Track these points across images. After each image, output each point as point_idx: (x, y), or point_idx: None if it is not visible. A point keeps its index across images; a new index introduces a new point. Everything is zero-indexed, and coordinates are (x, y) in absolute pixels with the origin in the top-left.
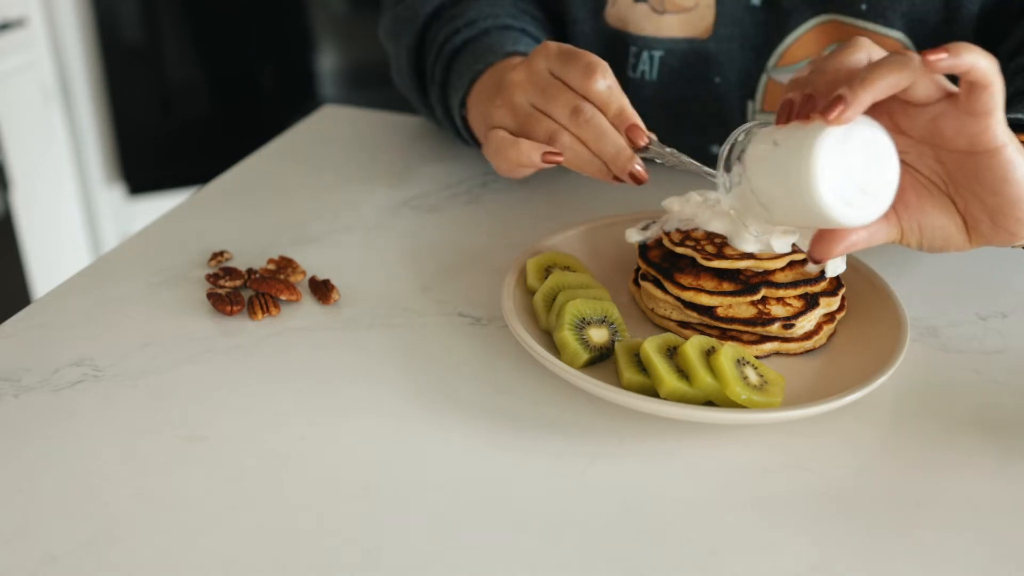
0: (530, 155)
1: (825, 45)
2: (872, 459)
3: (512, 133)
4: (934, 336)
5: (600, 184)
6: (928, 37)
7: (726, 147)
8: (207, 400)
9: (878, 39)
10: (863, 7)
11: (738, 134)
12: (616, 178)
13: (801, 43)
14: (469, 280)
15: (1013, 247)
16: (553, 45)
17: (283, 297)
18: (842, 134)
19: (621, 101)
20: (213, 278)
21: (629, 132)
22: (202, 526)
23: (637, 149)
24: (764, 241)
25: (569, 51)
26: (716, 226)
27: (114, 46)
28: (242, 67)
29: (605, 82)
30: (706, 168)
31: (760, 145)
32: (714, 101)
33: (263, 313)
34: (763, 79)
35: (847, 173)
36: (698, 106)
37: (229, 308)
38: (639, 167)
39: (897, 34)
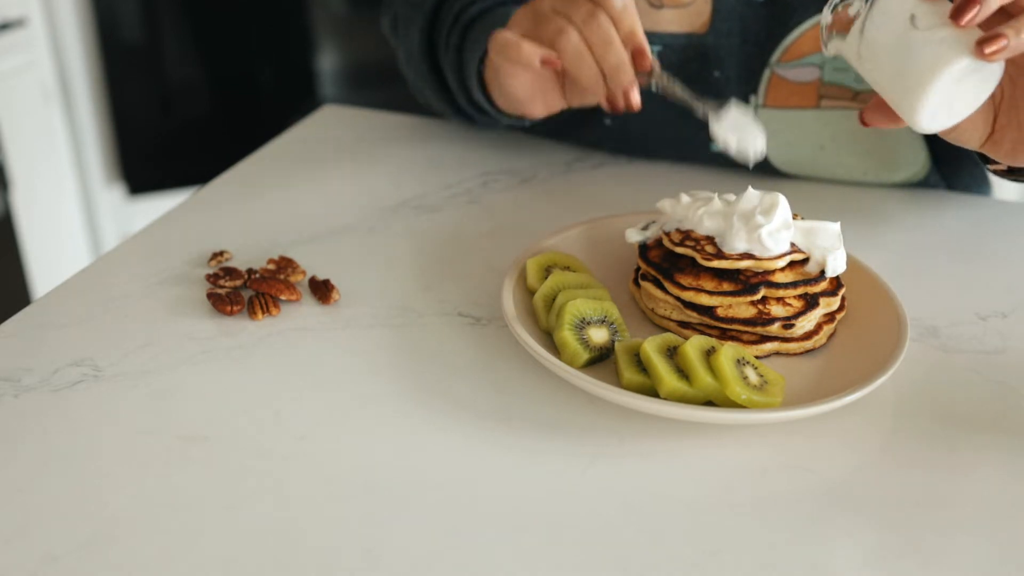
0: (530, 56)
1: None
2: (872, 459)
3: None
4: (934, 336)
5: (600, 184)
6: None
7: None
8: (207, 400)
9: None
10: None
11: None
12: (609, 100)
13: (808, 37)
14: (469, 280)
15: (996, 170)
16: None
17: (283, 297)
18: (974, 67)
19: (633, 21)
20: (213, 278)
21: (635, 54)
22: (202, 526)
23: (639, 72)
24: (756, 239)
25: None
26: (707, 226)
27: (114, 46)
28: (242, 67)
29: (623, 1)
30: (700, 101)
31: (899, 5)
32: (714, 96)
33: (263, 313)
34: (766, 73)
35: (951, 99)
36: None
37: (229, 308)
38: (635, 91)
39: None
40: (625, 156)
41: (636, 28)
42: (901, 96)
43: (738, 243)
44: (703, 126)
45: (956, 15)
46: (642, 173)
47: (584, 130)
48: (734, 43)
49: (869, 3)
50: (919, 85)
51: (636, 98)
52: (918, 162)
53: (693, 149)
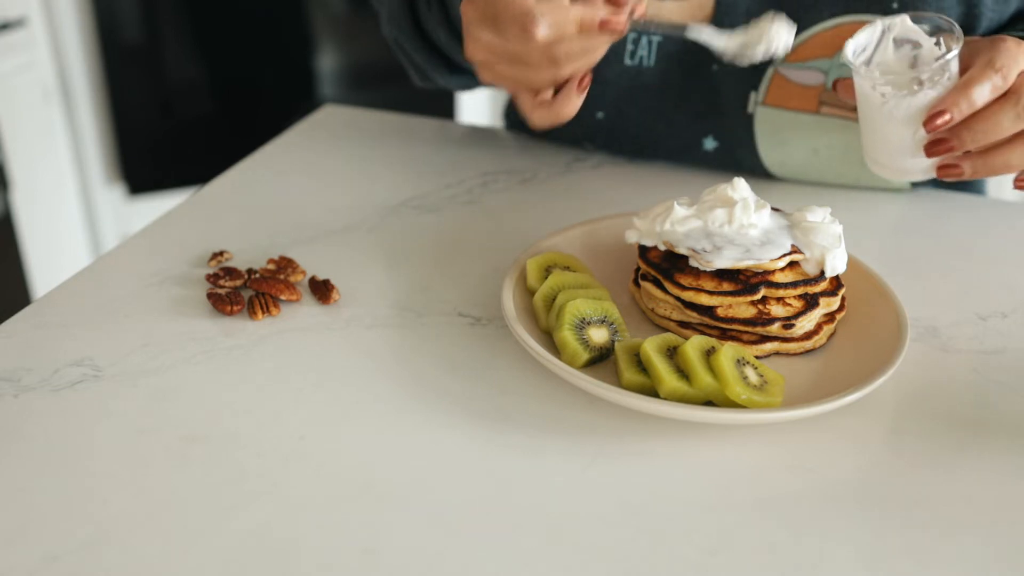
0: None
1: (841, 46)
2: (872, 459)
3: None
4: (934, 336)
5: (600, 184)
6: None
7: (882, 30)
8: (207, 400)
9: None
10: (894, 5)
11: (886, 31)
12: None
13: (817, 41)
14: (469, 280)
15: None
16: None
17: (283, 297)
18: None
19: (574, 16)
20: (213, 278)
21: (602, 26)
22: (202, 526)
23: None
24: (735, 258)
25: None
26: (690, 243)
27: (114, 46)
28: (242, 67)
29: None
30: (680, 25)
31: (896, 82)
32: (711, 90)
33: (263, 313)
34: (769, 72)
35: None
36: (696, 95)
37: (229, 308)
38: (577, 85)
39: None
40: (618, 150)
41: (585, 17)
42: (866, 144)
43: (723, 262)
44: (700, 115)
45: (929, 149)
46: (642, 173)
47: (576, 123)
48: None
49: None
50: (880, 155)
51: (585, 81)
52: None
53: (685, 143)
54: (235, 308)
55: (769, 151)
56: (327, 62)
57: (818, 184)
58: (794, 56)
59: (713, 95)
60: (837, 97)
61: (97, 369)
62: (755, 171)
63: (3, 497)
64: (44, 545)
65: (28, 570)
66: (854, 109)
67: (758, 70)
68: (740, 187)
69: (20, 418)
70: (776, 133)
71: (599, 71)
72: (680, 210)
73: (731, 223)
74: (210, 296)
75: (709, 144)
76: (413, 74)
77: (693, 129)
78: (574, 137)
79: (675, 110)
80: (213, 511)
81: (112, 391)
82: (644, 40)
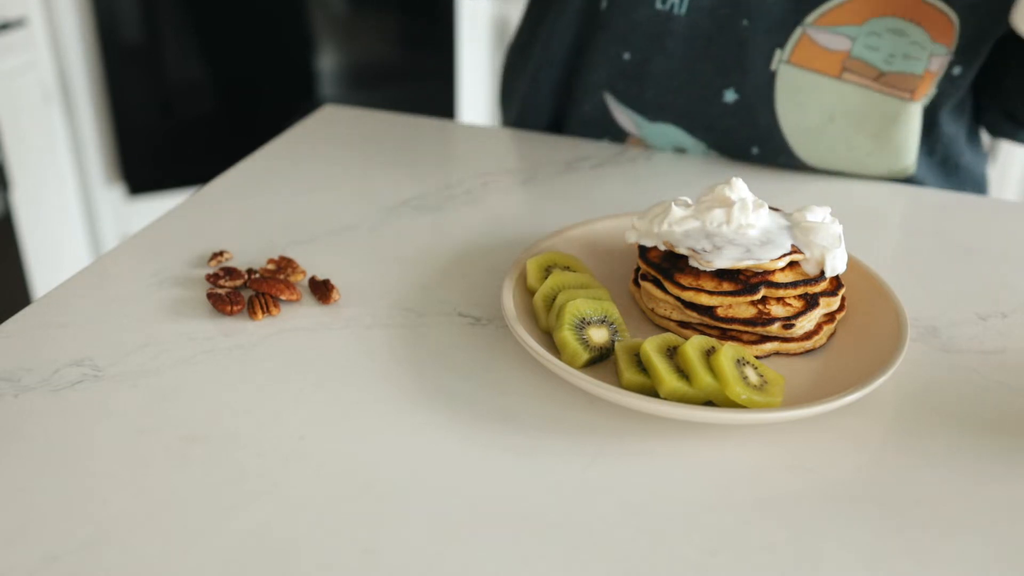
0: None
1: (871, 15)
2: (872, 459)
3: None
4: (934, 336)
5: (600, 184)
6: (976, 22)
7: None
8: (207, 400)
9: (934, 14)
10: None
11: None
12: None
13: (848, 7)
14: (469, 280)
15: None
16: None
17: (283, 297)
18: None
19: None
20: (213, 278)
21: None
22: (202, 526)
23: None
24: (735, 258)
25: None
26: (690, 243)
27: (114, 46)
28: (242, 67)
29: None
30: None
31: None
32: (738, 44)
33: (263, 313)
34: (798, 31)
35: None
36: (722, 47)
37: (229, 308)
38: None
39: (952, 14)
40: (638, 96)
41: None
42: None
43: (723, 261)
44: (724, 68)
45: None
46: (642, 173)
47: (603, 62)
48: None
49: None
50: None
51: None
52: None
53: (705, 94)
54: (235, 308)
55: (787, 112)
56: (327, 62)
57: (829, 162)
58: (824, 19)
59: (739, 49)
60: (860, 66)
61: (97, 369)
62: (770, 131)
63: (3, 497)
64: (44, 545)
65: (28, 570)
66: (876, 79)
67: (786, 28)
68: (738, 187)
69: (20, 418)
70: (796, 93)
71: (629, 11)
72: (678, 211)
73: (729, 223)
74: (210, 296)
75: (729, 96)
76: None
77: (715, 80)
78: (598, 84)
79: (700, 59)
80: (213, 511)
81: (112, 391)
82: None
